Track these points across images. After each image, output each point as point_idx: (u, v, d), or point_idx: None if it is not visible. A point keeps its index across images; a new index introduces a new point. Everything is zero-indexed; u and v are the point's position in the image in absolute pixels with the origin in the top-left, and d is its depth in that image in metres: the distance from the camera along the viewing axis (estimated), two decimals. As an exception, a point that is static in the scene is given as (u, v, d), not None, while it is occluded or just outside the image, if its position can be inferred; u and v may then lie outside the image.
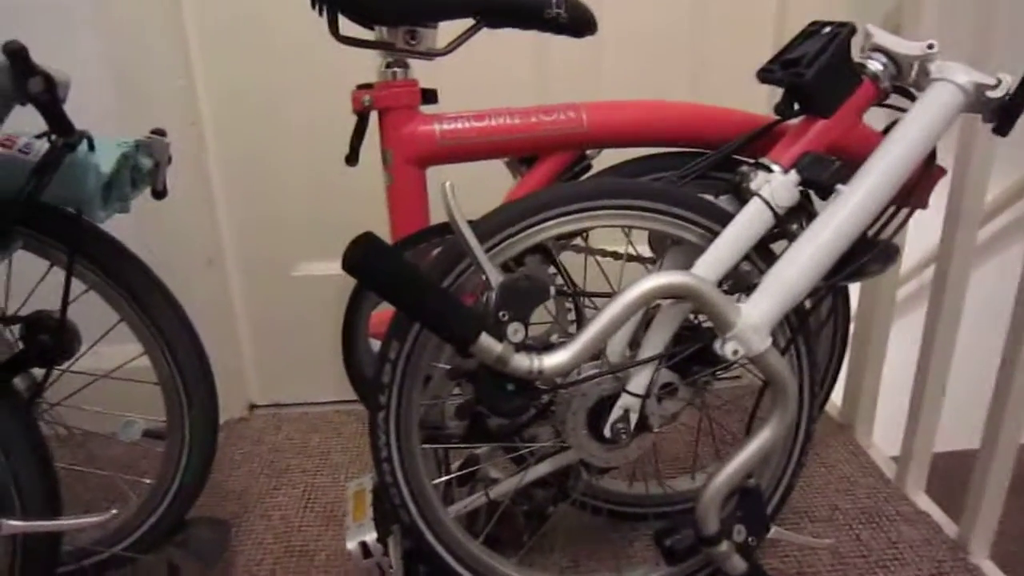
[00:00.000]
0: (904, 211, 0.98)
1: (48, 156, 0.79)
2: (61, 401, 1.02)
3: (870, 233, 0.92)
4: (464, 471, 1.09)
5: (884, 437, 1.45)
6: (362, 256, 0.73)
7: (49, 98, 0.72)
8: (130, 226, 1.32)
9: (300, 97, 1.38)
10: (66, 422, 1.05)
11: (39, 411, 1.02)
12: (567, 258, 1.01)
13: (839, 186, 0.87)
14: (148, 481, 1.07)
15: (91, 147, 0.84)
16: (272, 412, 1.59)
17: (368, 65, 0.98)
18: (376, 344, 1.00)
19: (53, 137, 0.79)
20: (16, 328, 0.95)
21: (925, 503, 1.24)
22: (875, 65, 0.93)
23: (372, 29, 0.95)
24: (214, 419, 1.05)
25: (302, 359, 1.58)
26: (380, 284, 0.74)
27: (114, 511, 0.85)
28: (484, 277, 0.81)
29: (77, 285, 0.95)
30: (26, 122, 0.83)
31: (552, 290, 0.83)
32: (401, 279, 0.74)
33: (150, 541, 1.07)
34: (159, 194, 0.98)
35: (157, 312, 0.98)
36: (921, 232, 1.18)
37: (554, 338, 1.01)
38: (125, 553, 1.06)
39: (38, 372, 0.96)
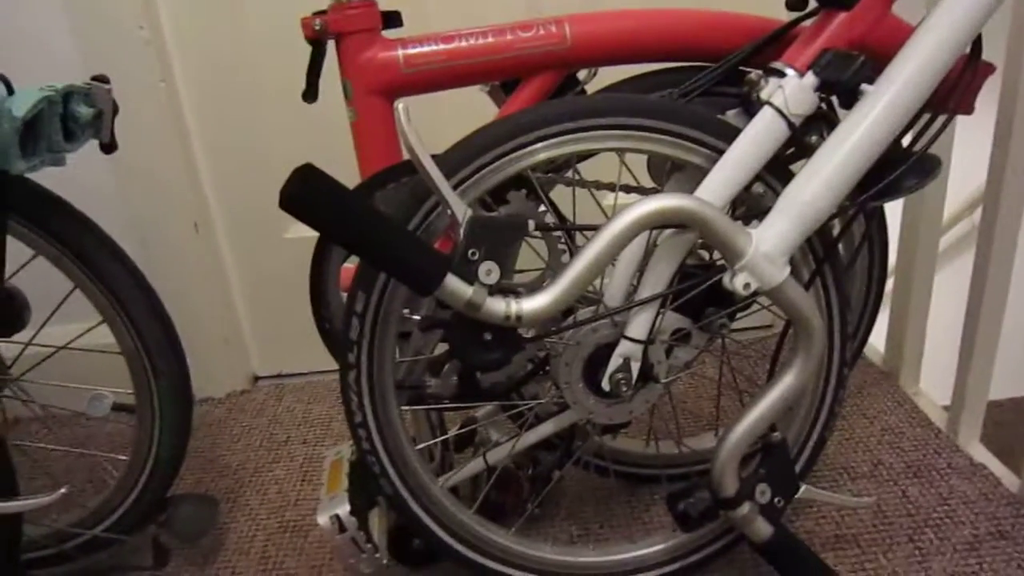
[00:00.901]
0: (943, 116, 0.84)
1: (-47, 100, 0.71)
2: (22, 375, 0.96)
3: (905, 143, 0.79)
4: (459, 432, 1.00)
5: (933, 384, 1.32)
6: (300, 189, 0.64)
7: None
8: (107, 191, 1.25)
9: (278, 48, 1.28)
10: (34, 398, 0.99)
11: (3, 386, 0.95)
12: (565, 196, 0.90)
13: (864, 87, 0.74)
14: (123, 458, 1.00)
15: (9, 91, 0.75)
16: (275, 383, 1.52)
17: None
18: (347, 298, 0.91)
19: (-38, 80, 0.71)
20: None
21: (981, 454, 1.11)
22: (905, -56, 0.79)
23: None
24: (185, 388, 0.97)
25: (304, 327, 1.49)
26: (321, 221, 0.65)
27: (63, 490, 0.78)
28: (449, 212, 0.70)
29: (22, 251, 0.88)
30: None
31: (531, 224, 0.72)
32: (345, 213, 0.64)
33: (133, 520, 1.01)
34: (107, 147, 0.89)
35: (109, 276, 0.89)
36: (980, 159, 1.04)
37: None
38: (107, 534, 1.00)
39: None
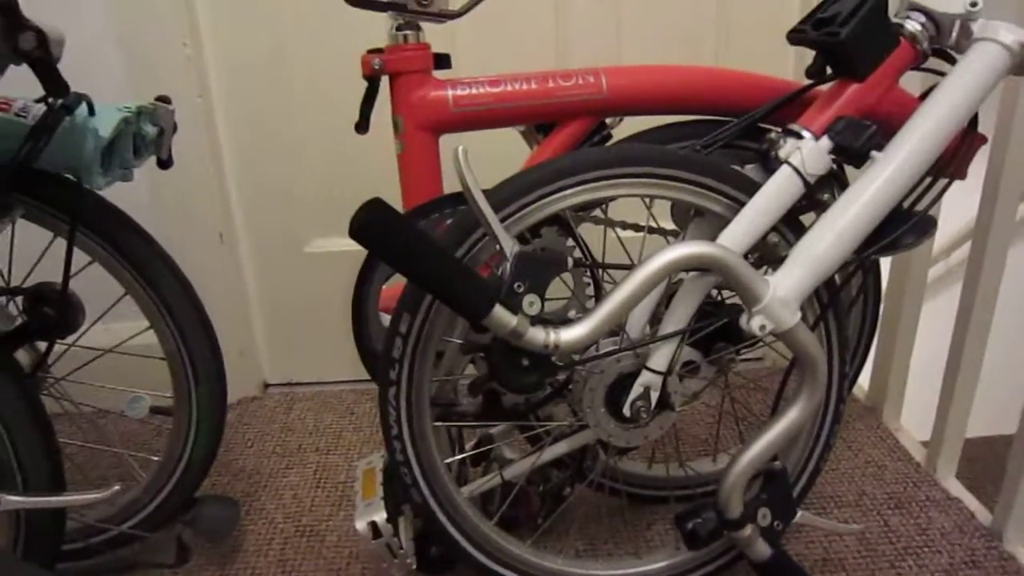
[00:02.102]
0: (941, 182, 0.93)
1: (44, 117, 0.76)
2: (66, 376, 1.00)
3: (905, 204, 0.88)
4: (478, 450, 1.06)
5: (912, 420, 1.40)
6: (370, 221, 0.70)
7: (42, 55, 0.68)
8: (140, 200, 1.30)
9: (311, 67, 1.35)
10: (73, 398, 1.03)
11: (44, 386, 1.00)
12: (586, 231, 0.97)
13: (874, 153, 0.82)
14: (156, 458, 1.04)
15: (91, 111, 0.81)
16: (285, 391, 1.57)
17: (380, 31, 0.94)
18: (387, 319, 0.97)
19: (51, 100, 0.76)
20: (19, 300, 0.92)
21: (957, 489, 1.20)
22: (913, 25, 0.88)
23: (383, -10, 0.91)
24: (222, 395, 1.02)
25: (315, 337, 1.55)
26: (389, 252, 0.71)
27: (116, 487, 0.83)
28: (498, 247, 0.77)
29: (81, 257, 0.92)
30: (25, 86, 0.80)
31: (570, 261, 0.79)
32: (411, 246, 0.70)
33: (159, 518, 1.05)
34: (164, 163, 0.95)
35: (162, 285, 0.95)
36: (955, 207, 1.13)
37: (572, 313, 0.97)
38: (134, 531, 1.04)
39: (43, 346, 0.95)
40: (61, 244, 0.91)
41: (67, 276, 0.87)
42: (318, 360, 1.57)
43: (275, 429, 1.43)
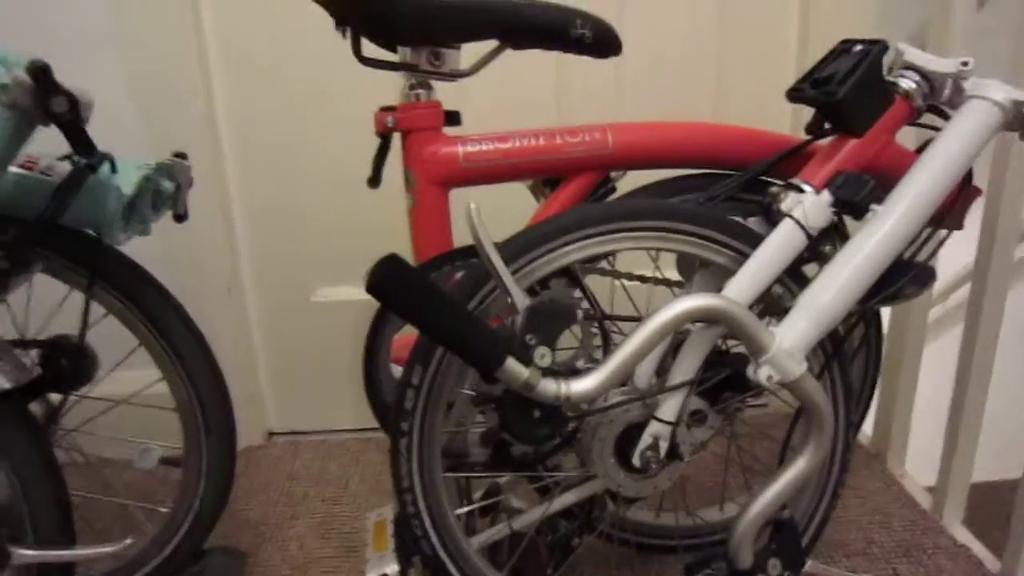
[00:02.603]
0: (940, 233, 0.95)
1: (70, 177, 0.78)
2: (78, 427, 1.01)
3: (905, 255, 0.90)
4: (487, 501, 1.06)
5: (917, 466, 1.41)
6: (386, 277, 0.71)
7: (72, 118, 0.71)
8: (151, 253, 1.32)
9: (320, 122, 1.38)
10: (82, 448, 1.03)
11: (55, 437, 1.00)
12: (594, 282, 0.99)
13: (874, 206, 0.85)
14: (164, 509, 1.04)
15: (113, 169, 0.83)
16: (290, 440, 1.57)
17: (388, 87, 0.97)
18: (398, 370, 0.98)
19: (75, 158, 0.78)
20: (35, 353, 0.93)
21: (964, 536, 1.20)
22: (907, 83, 0.91)
23: (395, 51, 0.94)
24: (231, 446, 1.03)
25: (321, 386, 1.56)
26: (404, 306, 0.72)
27: (128, 541, 0.83)
28: (510, 300, 0.79)
29: (96, 309, 0.94)
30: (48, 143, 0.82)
31: (579, 313, 0.81)
32: (426, 301, 0.72)
33: (167, 571, 1.05)
34: (180, 217, 0.97)
35: (176, 338, 0.96)
36: (951, 252, 1.16)
37: (580, 364, 0.98)
38: (140, 584, 1.04)
39: (55, 397, 0.95)
40: (74, 296, 0.93)
41: (84, 328, 0.89)
42: (323, 408, 1.57)
43: (280, 478, 1.43)
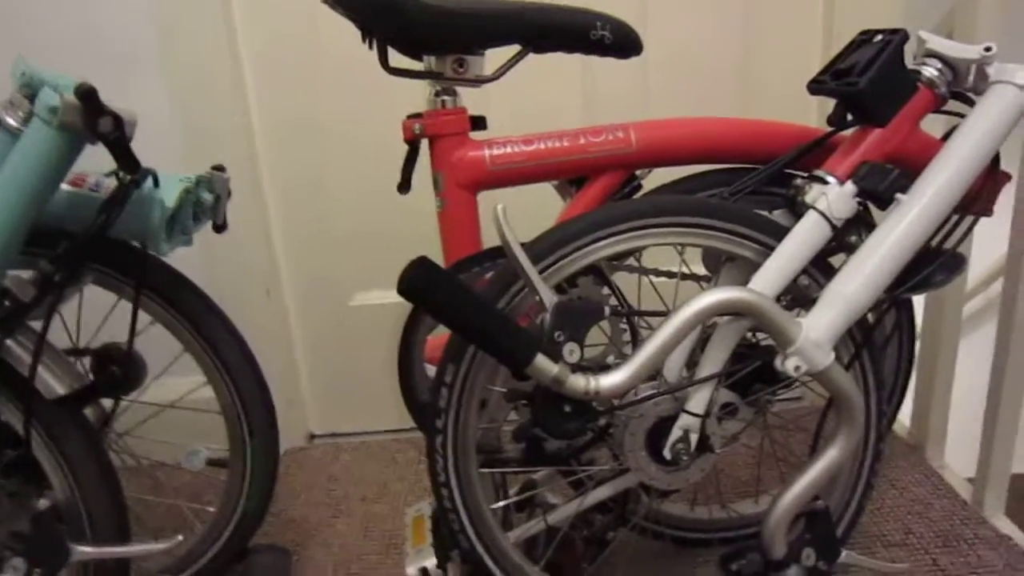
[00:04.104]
0: (968, 219, 0.95)
1: (116, 193, 0.83)
2: (129, 431, 1.05)
3: (934, 243, 0.90)
4: (522, 496, 1.08)
5: (956, 457, 1.39)
6: (417, 279, 0.74)
7: (118, 137, 0.75)
8: (192, 259, 1.37)
9: (352, 129, 1.42)
10: (133, 451, 1.08)
11: (108, 441, 1.05)
12: (620, 278, 1.01)
13: (899, 195, 0.85)
14: (211, 509, 1.08)
15: (156, 183, 0.87)
16: (330, 441, 1.61)
17: (418, 92, 1.00)
18: (432, 369, 1.01)
19: (120, 174, 0.82)
20: (86, 360, 0.98)
21: (1006, 526, 1.18)
22: (930, 71, 0.91)
23: (420, 60, 0.97)
24: (275, 448, 1.06)
25: (359, 389, 1.60)
26: (436, 306, 0.75)
27: (180, 537, 0.86)
28: (538, 298, 0.81)
29: (143, 317, 0.98)
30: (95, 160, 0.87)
31: (607, 310, 0.82)
32: (457, 301, 0.74)
33: (214, 568, 1.09)
34: (219, 227, 1.01)
35: (219, 343, 1.00)
36: (988, 242, 1.15)
37: (610, 359, 1.00)
38: (191, 581, 1.08)
39: (107, 403, 1.00)
40: (122, 305, 0.97)
41: (132, 336, 0.93)
42: (361, 410, 1.61)
43: (322, 479, 1.47)
